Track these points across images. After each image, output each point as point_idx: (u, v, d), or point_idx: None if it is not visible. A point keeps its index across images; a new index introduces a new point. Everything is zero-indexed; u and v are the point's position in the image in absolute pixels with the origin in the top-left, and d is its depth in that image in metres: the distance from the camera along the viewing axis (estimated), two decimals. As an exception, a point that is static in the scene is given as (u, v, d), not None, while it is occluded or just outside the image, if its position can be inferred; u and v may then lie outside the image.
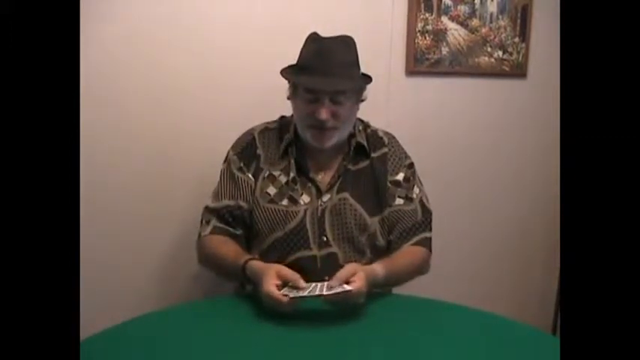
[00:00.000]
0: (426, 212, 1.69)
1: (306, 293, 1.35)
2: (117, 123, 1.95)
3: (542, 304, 2.47)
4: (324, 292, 1.35)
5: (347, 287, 1.36)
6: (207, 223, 1.64)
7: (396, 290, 1.67)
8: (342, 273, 1.40)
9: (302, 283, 1.38)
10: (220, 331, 1.34)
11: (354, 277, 1.39)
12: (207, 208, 1.67)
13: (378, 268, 1.51)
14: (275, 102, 1.70)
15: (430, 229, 1.69)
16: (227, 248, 1.59)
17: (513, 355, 1.27)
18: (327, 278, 1.49)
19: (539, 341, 1.35)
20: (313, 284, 1.39)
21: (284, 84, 1.63)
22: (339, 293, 1.35)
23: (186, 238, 1.87)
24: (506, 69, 2.27)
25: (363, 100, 1.65)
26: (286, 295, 1.34)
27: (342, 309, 1.39)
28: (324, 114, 1.54)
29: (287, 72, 1.61)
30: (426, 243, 1.68)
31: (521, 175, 2.40)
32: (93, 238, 1.88)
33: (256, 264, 1.48)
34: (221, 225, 1.63)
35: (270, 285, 1.36)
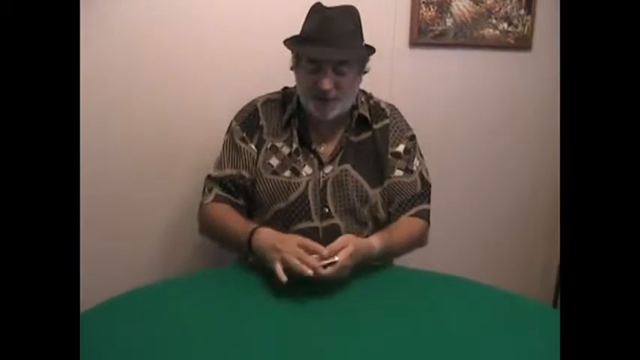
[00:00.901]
0: (425, 185, 1.69)
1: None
2: (116, 103, 1.94)
3: (544, 279, 2.48)
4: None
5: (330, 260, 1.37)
6: (210, 191, 1.65)
7: (397, 262, 1.68)
8: (333, 244, 1.42)
9: (325, 251, 1.39)
10: (221, 302, 1.34)
11: (341, 251, 1.40)
12: (209, 177, 1.67)
13: (375, 241, 1.52)
14: (277, 74, 1.70)
15: (429, 202, 1.69)
16: (230, 217, 1.59)
17: (514, 327, 1.27)
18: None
19: (540, 314, 1.36)
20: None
21: (286, 56, 1.62)
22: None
23: (189, 211, 1.84)
24: (511, 41, 2.25)
25: (366, 72, 1.64)
26: None
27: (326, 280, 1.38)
28: (326, 84, 1.53)
29: (290, 42, 1.60)
30: (425, 215, 1.68)
31: (526, 148, 2.39)
32: (93, 209, 1.87)
33: (267, 232, 1.49)
34: (223, 194, 1.63)
35: (296, 247, 1.38)
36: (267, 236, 1.47)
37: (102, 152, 1.93)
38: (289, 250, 1.38)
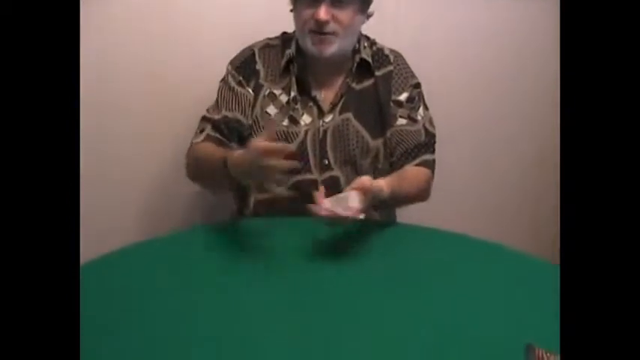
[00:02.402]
0: (429, 135, 1.62)
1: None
2: (111, 55, 1.88)
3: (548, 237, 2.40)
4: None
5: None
6: (201, 131, 1.56)
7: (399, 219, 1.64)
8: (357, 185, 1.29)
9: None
10: (214, 261, 1.28)
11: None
12: (203, 118, 1.59)
13: (385, 185, 1.39)
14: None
15: (434, 152, 1.62)
16: (213, 151, 1.46)
17: (516, 283, 1.24)
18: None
19: (542, 270, 1.31)
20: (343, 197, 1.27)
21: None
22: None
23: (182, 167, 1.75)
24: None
25: (369, 16, 1.56)
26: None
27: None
28: (323, 13, 1.44)
29: None
30: (430, 165, 1.60)
31: (533, 98, 2.27)
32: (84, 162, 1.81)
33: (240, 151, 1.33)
34: (215, 134, 1.55)
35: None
36: (236, 155, 1.31)
37: (96, 105, 1.86)
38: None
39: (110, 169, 1.97)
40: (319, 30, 1.47)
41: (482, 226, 1.70)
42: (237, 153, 1.32)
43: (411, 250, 1.38)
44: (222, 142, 1.54)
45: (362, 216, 1.25)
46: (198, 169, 1.54)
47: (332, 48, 1.50)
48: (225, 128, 1.55)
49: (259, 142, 1.21)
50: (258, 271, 1.23)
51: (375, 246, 1.35)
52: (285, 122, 1.54)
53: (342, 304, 1.14)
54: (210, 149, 1.50)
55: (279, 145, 1.23)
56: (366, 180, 1.31)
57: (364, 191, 1.27)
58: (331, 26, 1.47)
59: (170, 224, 2.04)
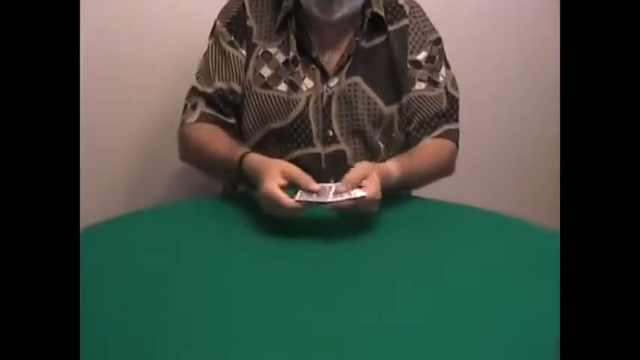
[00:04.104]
0: (452, 100, 1.43)
1: (314, 198, 1.16)
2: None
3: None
4: (331, 199, 1.15)
5: (359, 193, 1.16)
6: (194, 108, 1.39)
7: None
8: (352, 175, 1.18)
9: (314, 185, 1.17)
10: (206, 238, 1.19)
11: (366, 181, 1.17)
12: (194, 90, 1.41)
13: (393, 167, 1.28)
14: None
15: (457, 120, 1.44)
16: (218, 138, 1.35)
17: (516, 251, 1.18)
18: (332, 180, 1.31)
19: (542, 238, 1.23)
20: (327, 186, 1.19)
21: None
22: (350, 200, 1.15)
23: (166, 129, 1.63)
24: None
25: None
26: (298, 201, 1.15)
27: (352, 217, 1.19)
28: None
29: None
30: (453, 136, 1.43)
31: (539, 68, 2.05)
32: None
33: (257, 158, 1.26)
34: (210, 111, 1.38)
35: (273, 183, 1.15)
36: (253, 165, 1.24)
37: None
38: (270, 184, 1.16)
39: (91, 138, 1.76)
40: None
41: (499, 200, 1.61)
42: (253, 160, 1.24)
43: (425, 223, 1.29)
44: (220, 119, 1.38)
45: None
46: (196, 157, 1.41)
47: (342, 11, 1.31)
48: (221, 102, 1.38)
49: (270, 184, 1.15)
50: (269, 244, 1.16)
51: (387, 219, 1.24)
52: (282, 87, 1.36)
53: (351, 278, 1.07)
54: (212, 137, 1.36)
55: (284, 197, 1.14)
56: (362, 170, 1.20)
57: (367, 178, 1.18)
58: None
59: (151, 198, 1.93)
